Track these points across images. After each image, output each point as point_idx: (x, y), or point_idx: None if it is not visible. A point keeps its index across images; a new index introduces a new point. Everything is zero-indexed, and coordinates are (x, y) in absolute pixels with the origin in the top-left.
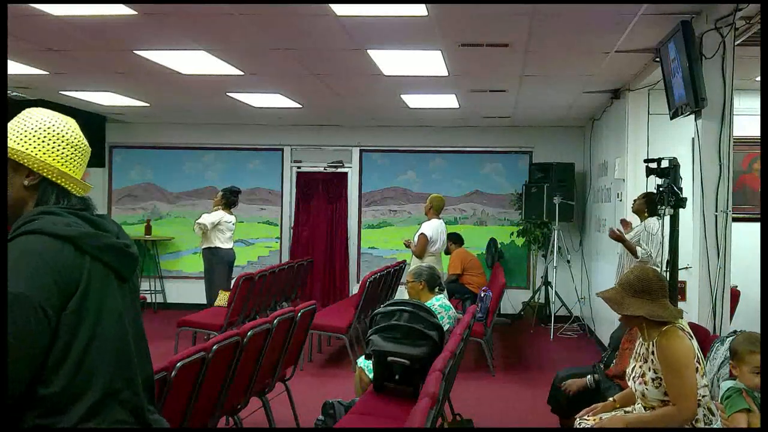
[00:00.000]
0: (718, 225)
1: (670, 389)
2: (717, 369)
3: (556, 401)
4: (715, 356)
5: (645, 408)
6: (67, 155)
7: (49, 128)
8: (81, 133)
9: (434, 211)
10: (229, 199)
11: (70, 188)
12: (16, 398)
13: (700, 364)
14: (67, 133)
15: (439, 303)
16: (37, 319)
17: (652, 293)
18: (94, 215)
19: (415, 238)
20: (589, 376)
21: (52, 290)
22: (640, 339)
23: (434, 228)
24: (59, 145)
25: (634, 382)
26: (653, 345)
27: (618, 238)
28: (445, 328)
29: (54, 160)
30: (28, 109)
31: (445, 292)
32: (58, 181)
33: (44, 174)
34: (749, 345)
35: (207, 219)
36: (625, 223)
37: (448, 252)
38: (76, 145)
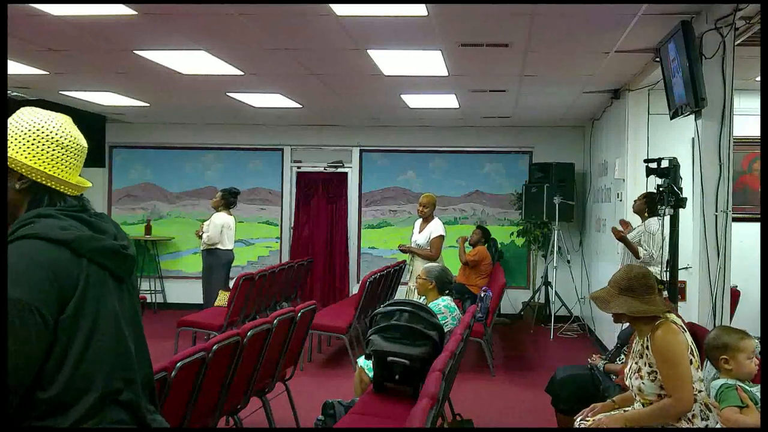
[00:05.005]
0: (718, 225)
1: (665, 381)
2: (716, 371)
3: (556, 396)
4: None
5: (643, 405)
6: (56, 157)
7: (38, 130)
8: (74, 132)
9: (433, 212)
10: (228, 200)
11: (61, 190)
12: (15, 403)
13: (694, 356)
14: (57, 134)
15: (444, 304)
16: (35, 323)
17: (635, 290)
18: (91, 216)
19: (420, 241)
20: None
21: (49, 295)
22: (637, 337)
23: (443, 227)
24: (48, 148)
25: (631, 379)
26: (647, 340)
27: (620, 238)
28: (448, 329)
29: (42, 163)
30: (21, 110)
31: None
32: (48, 184)
33: (33, 177)
34: (735, 334)
35: (208, 239)
36: (624, 224)
37: (473, 244)
38: (67, 145)
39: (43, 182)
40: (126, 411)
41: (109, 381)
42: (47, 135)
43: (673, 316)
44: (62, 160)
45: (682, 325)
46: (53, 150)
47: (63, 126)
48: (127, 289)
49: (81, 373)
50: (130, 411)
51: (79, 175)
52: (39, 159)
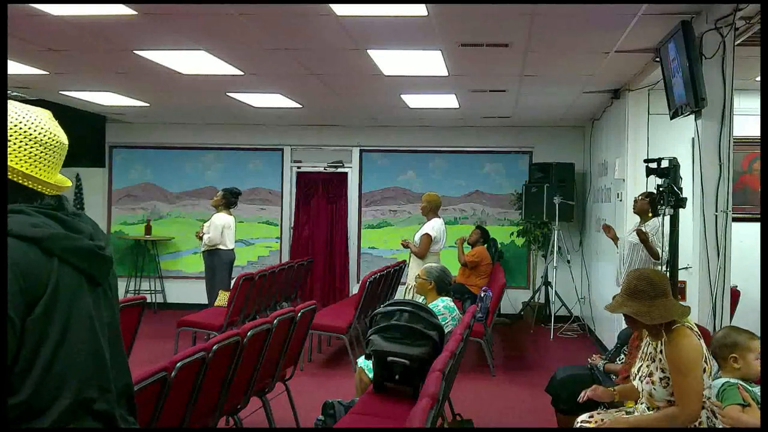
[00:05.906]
0: (718, 225)
1: (675, 389)
2: (718, 369)
3: (556, 396)
4: None
5: (650, 408)
6: (34, 155)
7: (15, 126)
8: (54, 128)
9: (433, 211)
10: (229, 200)
11: (39, 189)
12: None
13: (707, 363)
14: (35, 130)
15: (444, 304)
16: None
17: (642, 294)
18: (67, 215)
19: (416, 239)
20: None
21: (15, 294)
22: (647, 338)
23: (437, 227)
24: (26, 145)
25: (641, 382)
26: (662, 344)
27: (644, 239)
28: (448, 330)
29: (19, 162)
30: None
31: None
32: (25, 184)
33: (9, 176)
34: (744, 333)
35: (209, 240)
36: (607, 228)
37: (472, 244)
38: (46, 143)
39: (20, 182)
40: (99, 422)
41: (82, 388)
42: (25, 131)
43: (690, 321)
44: (40, 158)
45: (698, 331)
46: (31, 147)
47: (42, 122)
48: (104, 292)
49: (52, 377)
50: (104, 422)
51: (69, 175)
52: (15, 157)
